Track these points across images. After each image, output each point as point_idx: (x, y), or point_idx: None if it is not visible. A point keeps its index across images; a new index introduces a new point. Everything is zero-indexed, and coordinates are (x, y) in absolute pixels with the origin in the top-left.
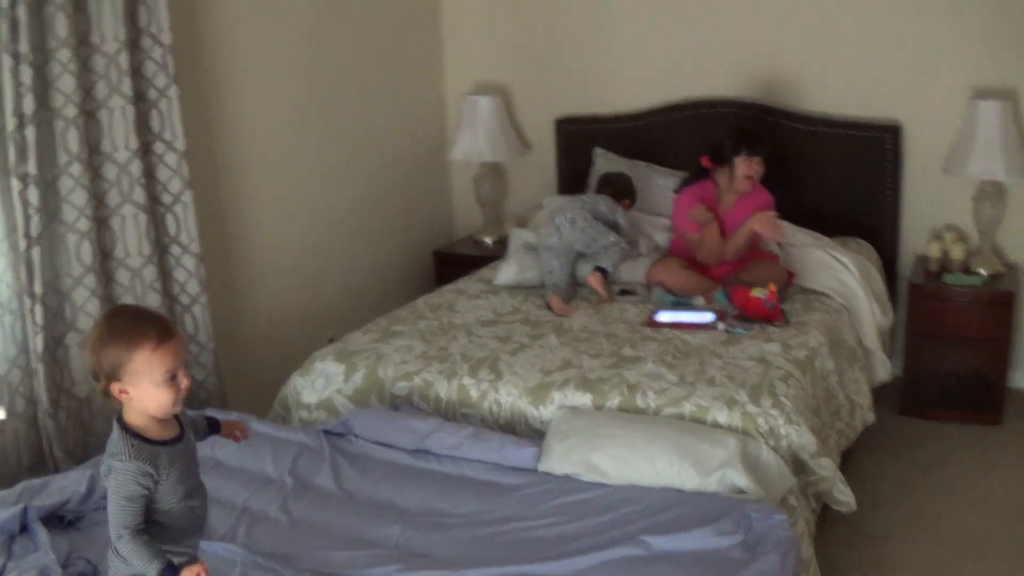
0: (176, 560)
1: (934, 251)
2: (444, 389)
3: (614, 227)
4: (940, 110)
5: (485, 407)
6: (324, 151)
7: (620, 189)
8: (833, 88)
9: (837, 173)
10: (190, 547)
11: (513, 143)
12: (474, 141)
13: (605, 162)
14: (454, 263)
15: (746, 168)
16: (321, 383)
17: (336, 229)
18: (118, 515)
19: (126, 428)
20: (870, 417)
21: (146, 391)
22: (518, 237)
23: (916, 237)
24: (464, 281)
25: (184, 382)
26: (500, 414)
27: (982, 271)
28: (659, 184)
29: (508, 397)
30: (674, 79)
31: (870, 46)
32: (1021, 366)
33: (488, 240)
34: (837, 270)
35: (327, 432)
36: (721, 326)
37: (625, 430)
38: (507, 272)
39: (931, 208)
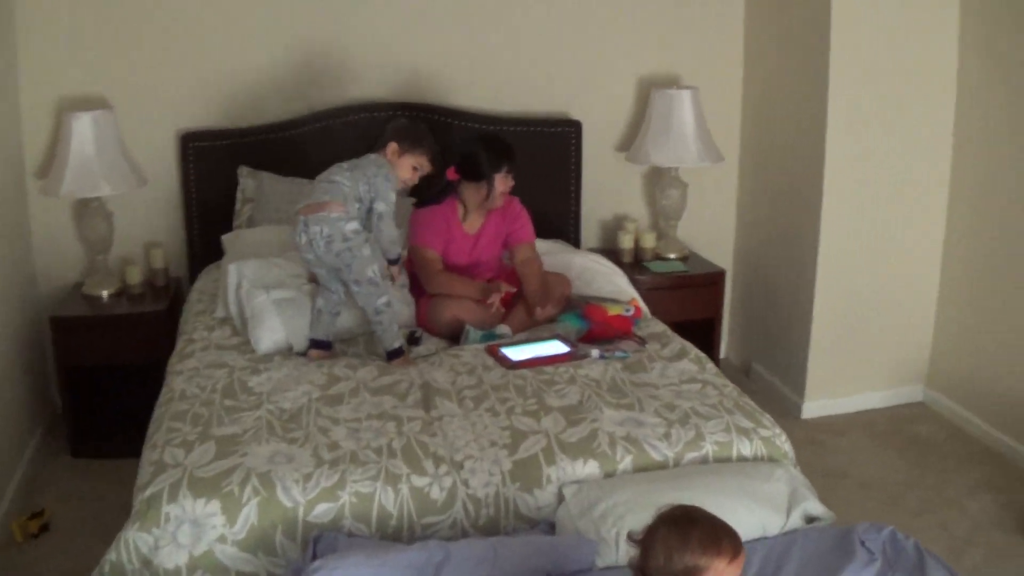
0: None
1: (626, 242)
2: (391, 500)
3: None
4: (613, 101)
5: (456, 509)
6: None
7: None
8: (508, 86)
9: (521, 173)
10: None
11: (126, 169)
12: (80, 169)
13: (255, 182)
14: (82, 330)
15: (503, 185)
16: (187, 533)
17: None
18: None
19: None
20: None
21: None
22: (244, 278)
23: (596, 230)
24: (204, 353)
25: None
26: (479, 512)
27: (672, 256)
28: None
29: (487, 488)
30: (326, 82)
31: (541, 44)
32: (730, 342)
33: (104, 293)
34: (607, 274)
35: None
36: (595, 353)
37: (678, 491)
38: (270, 335)
39: (610, 200)
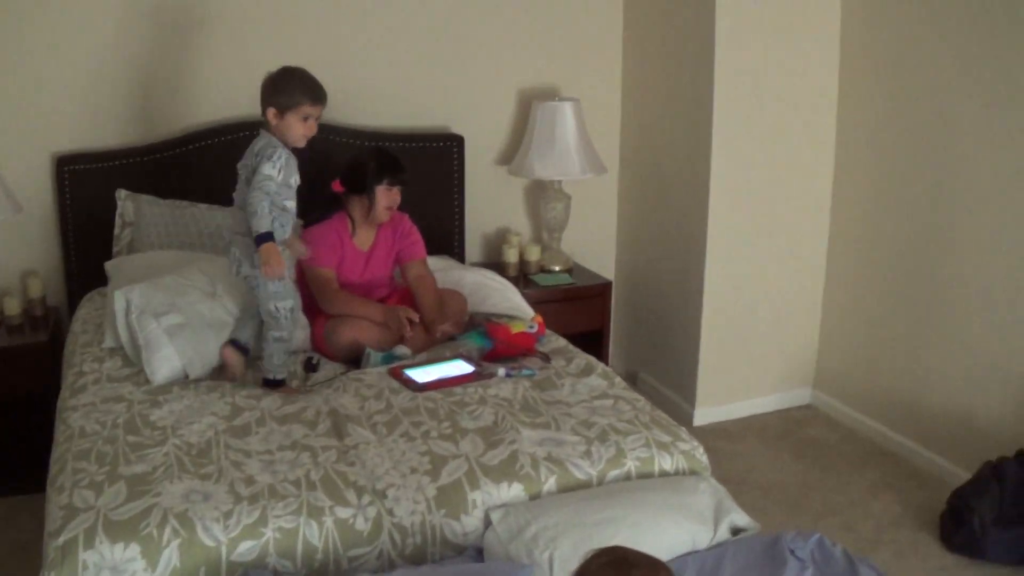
0: None
1: (511, 256)
2: (316, 534)
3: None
4: (494, 114)
5: (383, 539)
6: None
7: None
8: (389, 102)
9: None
10: None
11: (0, 195)
12: None
13: (134, 205)
14: None
15: (387, 199)
16: None
17: None
18: None
19: None
20: None
21: None
22: (133, 305)
23: (479, 245)
24: (97, 387)
25: None
26: (406, 542)
27: (557, 268)
28: (214, 223)
29: (413, 516)
30: (202, 101)
31: (420, 59)
32: (616, 352)
33: None
34: (501, 290)
35: None
36: (502, 371)
37: (606, 509)
38: (166, 364)
39: (493, 214)
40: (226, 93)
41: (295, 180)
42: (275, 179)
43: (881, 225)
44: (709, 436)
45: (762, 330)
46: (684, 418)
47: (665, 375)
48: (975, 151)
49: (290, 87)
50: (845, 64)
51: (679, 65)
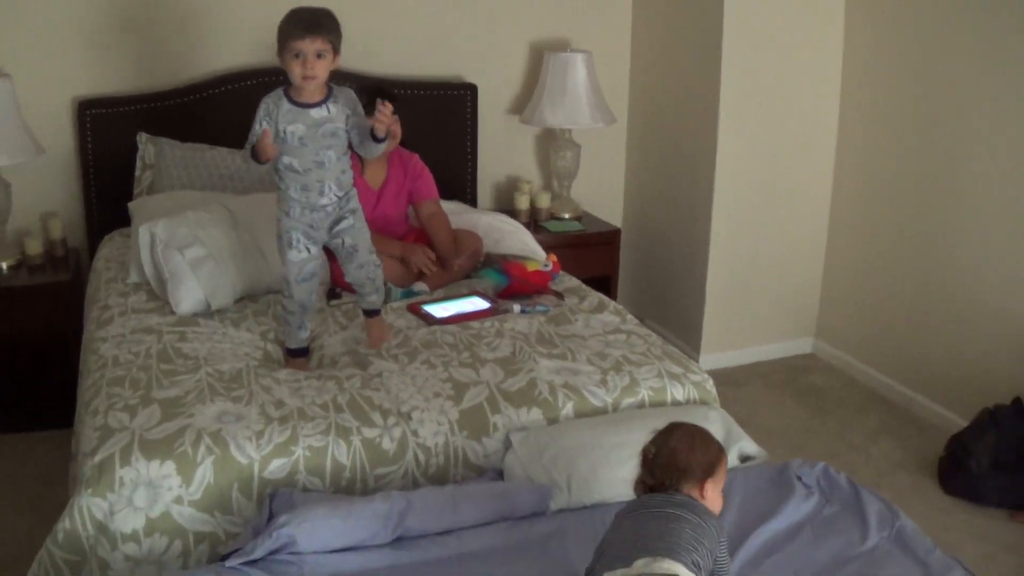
0: None
1: (522, 203)
2: (344, 452)
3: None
4: (505, 65)
5: (408, 459)
6: None
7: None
8: (405, 51)
9: (420, 136)
10: None
11: (22, 137)
12: None
13: (155, 148)
14: None
15: (383, 114)
16: (143, 496)
17: None
18: None
19: None
20: None
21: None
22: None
23: (491, 192)
24: (124, 319)
25: None
26: (430, 462)
27: (567, 216)
28: (234, 166)
29: (437, 437)
30: (221, 46)
31: (436, 9)
32: (623, 298)
33: (3, 265)
34: (514, 232)
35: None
36: (517, 307)
37: (624, 434)
38: (190, 295)
39: (504, 162)
40: (248, 38)
41: (291, 131)
42: (254, 132)
43: (884, 175)
44: (714, 380)
45: (765, 280)
46: None
47: (670, 321)
48: (979, 98)
49: (281, 25)
50: (851, 12)
51: (689, 19)
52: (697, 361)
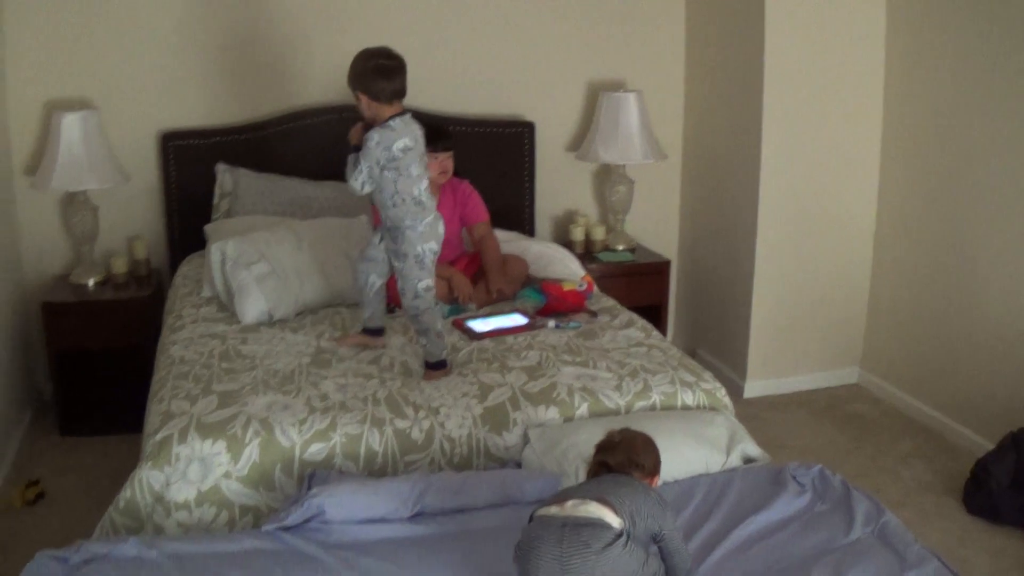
0: None
1: (577, 235)
2: (377, 440)
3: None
4: (564, 104)
5: (434, 448)
6: None
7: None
8: (466, 90)
9: (480, 171)
10: None
11: (110, 166)
12: (68, 165)
13: (232, 178)
14: (72, 315)
15: (435, 167)
16: (196, 470)
17: None
18: None
19: None
20: None
21: None
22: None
23: (548, 225)
24: (195, 326)
25: None
26: (454, 451)
27: (620, 248)
28: (304, 194)
29: (461, 429)
30: (295, 84)
31: (496, 50)
32: (676, 328)
33: (90, 282)
34: (562, 260)
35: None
36: (552, 323)
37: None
38: (255, 306)
39: (561, 196)
40: (320, 76)
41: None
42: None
43: (926, 208)
44: (757, 406)
45: (812, 310)
46: (735, 390)
47: (719, 350)
48: (1021, 128)
49: (359, 66)
50: (891, 52)
51: (734, 60)
52: (743, 388)
